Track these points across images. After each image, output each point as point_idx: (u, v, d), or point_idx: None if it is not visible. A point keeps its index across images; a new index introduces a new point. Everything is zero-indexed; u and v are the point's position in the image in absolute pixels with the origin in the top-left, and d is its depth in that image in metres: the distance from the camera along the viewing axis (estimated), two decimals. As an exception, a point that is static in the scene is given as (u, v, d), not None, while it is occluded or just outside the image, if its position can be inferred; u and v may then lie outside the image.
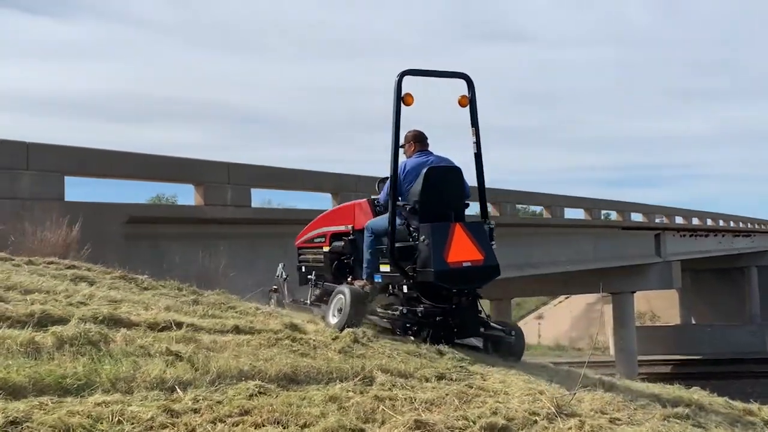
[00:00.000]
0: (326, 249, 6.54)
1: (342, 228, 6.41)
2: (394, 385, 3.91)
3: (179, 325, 4.04)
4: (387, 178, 6.12)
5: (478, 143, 6.02)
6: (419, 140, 6.08)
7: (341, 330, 5.06)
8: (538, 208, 28.45)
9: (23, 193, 8.47)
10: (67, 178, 9.04)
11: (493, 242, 5.82)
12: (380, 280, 5.79)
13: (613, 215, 30.01)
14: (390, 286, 5.80)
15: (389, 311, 5.79)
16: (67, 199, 9.03)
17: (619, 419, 4.21)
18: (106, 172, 9.68)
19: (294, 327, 4.66)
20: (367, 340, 4.96)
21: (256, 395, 3.20)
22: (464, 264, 5.40)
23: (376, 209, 6.23)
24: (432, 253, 5.29)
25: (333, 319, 5.56)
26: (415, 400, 3.69)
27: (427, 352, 5.12)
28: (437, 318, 5.54)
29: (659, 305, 48.57)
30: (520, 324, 50.58)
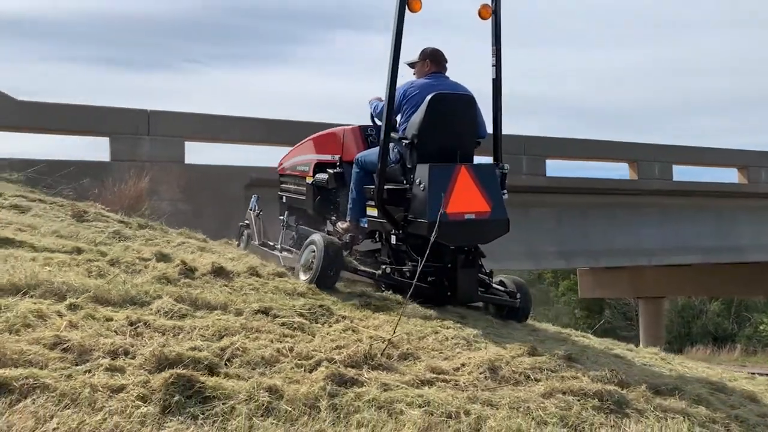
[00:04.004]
0: (309, 180, 5.57)
1: (328, 157, 5.46)
2: (161, 312, 3.31)
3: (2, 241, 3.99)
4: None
5: (498, 66, 4.85)
6: (436, 60, 4.95)
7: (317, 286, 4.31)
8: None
9: (143, 156, 9.34)
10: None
11: (505, 191, 4.76)
12: (366, 225, 4.90)
13: None
14: (377, 234, 4.92)
15: (369, 269, 4.78)
16: (187, 161, 9.72)
17: (448, 381, 3.01)
18: (227, 136, 10.19)
19: (161, 256, 4.25)
20: (251, 275, 4.33)
21: None
22: (466, 216, 4.43)
23: (369, 139, 5.24)
24: (428, 200, 4.34)
25: (302, 275, 4.59)
26: (146, 325, 3.07)
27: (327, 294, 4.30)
28: (428, 279, 4.53)
29: None
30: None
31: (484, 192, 4.50)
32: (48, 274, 3.45)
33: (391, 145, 4.68)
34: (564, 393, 3.10)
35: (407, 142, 4.60)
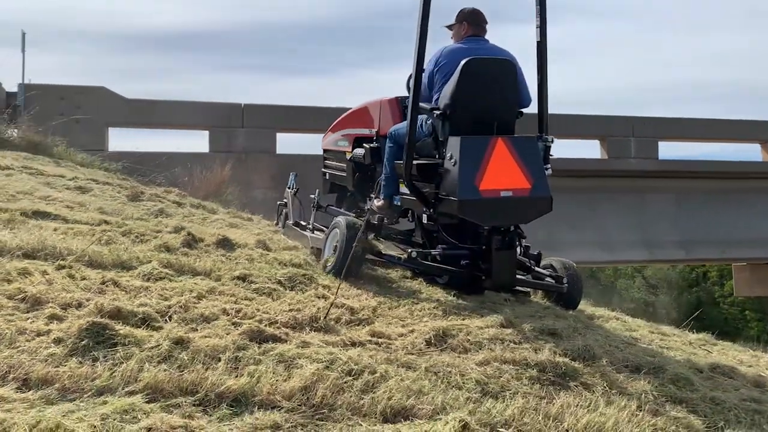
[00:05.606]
0: (349, 156, 5.37)
1: (366, 131, 5.22)
2: (140, 275, 3.59)
3: (41, 214, 4.49)
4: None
5: (542, 27, 4.40)
6: (474, 21, 4.53)
7: (335, 275, 4.07)
8: None
9: (238, 148, 9.94)
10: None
11: (548, 166, 4.35)
12: (399, 204, 4.65)
13: None
14: (410, 213, 4.75)
15: (394, 252, 4.66)
16: (278, 152, 10.21)
17: (380, 345, 3.01)
18: (312, 126, 10.50)
19: (179, 229, 4.57)
20: (258, 247, 4.53)
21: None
22: (502, 193, 4.07)
23: (406, 111, 4.78)
24: (460, 176, 4.02)
25: (329, 262, 4.40)
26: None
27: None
28: (461, 262, 4.28)
29: None
30: None
31: (523, 167, 4.11)
32: (56, 240, 3.85)
33: (425, 116, 4.43)
34: (504, 362, 2.98)
35: (439, 113, 4.28)
